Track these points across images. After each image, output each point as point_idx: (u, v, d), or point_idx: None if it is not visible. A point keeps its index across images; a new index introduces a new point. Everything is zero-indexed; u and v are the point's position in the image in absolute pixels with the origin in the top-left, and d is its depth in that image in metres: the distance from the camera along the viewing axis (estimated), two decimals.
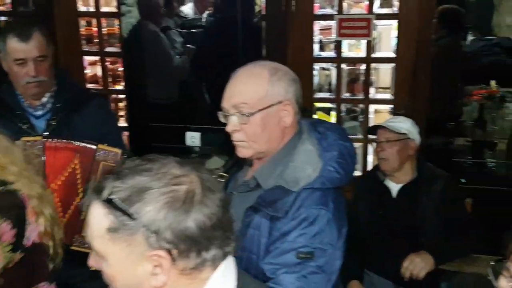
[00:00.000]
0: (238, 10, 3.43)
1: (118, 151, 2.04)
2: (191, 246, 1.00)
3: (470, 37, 4.81)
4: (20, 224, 1.52)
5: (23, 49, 2.12)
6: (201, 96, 4.48)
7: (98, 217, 1.02)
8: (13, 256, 1.52)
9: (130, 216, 0.98)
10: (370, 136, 3.62)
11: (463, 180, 3.42)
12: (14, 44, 2.12)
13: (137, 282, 1.03)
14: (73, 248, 2.03)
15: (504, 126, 3.70)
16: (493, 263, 1.06)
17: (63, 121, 2.21)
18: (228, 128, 1.60)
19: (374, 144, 2.73)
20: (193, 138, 3.97)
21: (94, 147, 2.03)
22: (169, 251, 0.99)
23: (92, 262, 1.11)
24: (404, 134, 2.64)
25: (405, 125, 2.68)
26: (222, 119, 1.62)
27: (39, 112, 2.22)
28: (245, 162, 1.75)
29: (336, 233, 1.58)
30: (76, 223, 2.03)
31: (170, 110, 4.24)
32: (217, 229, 1.03)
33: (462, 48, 4.29)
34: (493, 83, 4.18)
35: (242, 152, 1.63)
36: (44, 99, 2.22)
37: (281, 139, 1.62)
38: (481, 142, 3.55)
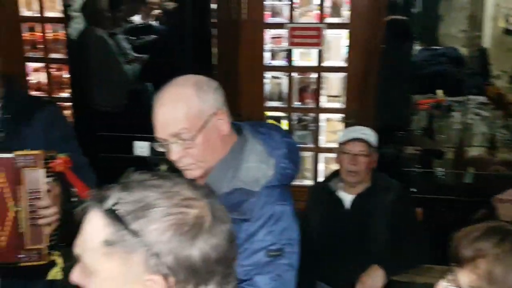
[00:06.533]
0: (188, 18, 3.36)
1: (39, 152, 1.90)
2: (190, 277, 0.91)
3: (417, 47, 4.91)
4: None
5: None
6: (150, 105, 4.38)
7: (96, 227, 0.93)
8: None
9: (132, 231, 0.89)
10: (321, 145, 3.65)
11: (413, 190, 3.47)
12: None
13: None
14: (22, 264, 1.92)
15: (451, 135, 3.79)
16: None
17: (12, 132, 2.06)
18: (173, 157, 1.53)
19: (341, 155, 2.69)
20: (141, 148, 3.86)
21: (11, 155, 1.89)
22: (166, 278, 0.90)
23: (75, 277, 0.99)
24: (375, 147, 2.66)
25: (374, 137, 2.70)
26: (159, 149, 1.56)
27: None
28: None
29: (298, 228, 1.60)
30: (16, 239, 1.91)
31: (118, 119, 4.12)
32: (220, 264, 0.95)
33: (410, 57, 4.38)
34: (440, 92, 4.28)
35: (192, 174, 1.57)
36: None
37: (224, 147, 1.60)
38: (429, 151, 3.62)
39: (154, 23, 4.90)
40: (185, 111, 1.50)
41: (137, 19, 5.22)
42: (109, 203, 0.92)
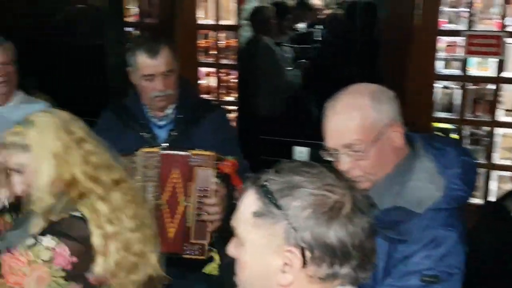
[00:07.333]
0: (355, 24, 3.33)
1: (211, 153, 2.01)
2: (325, 255, 1.00)
3: None
4: (83, 256, 1.46)
5: (152, 64, 2.16)
6: (311, 111, 4.43)
7: (249, 202, 1.07)
8: (66, 285, 1.44)
9: (277, 205, 1.01)
10: (494, 162, 3.36)
11: None
12: (144, 60, 2.16)
13: (265, 274, 1.05)
14: (185, 257, 2.05)
15: None
16: None
17: (183, 132, 2.23)
18: (342, 168, 1.48)
19: None
20: (301, 153, 3.91)
21: (188, 153, 2.02)
22: (303, 252, 0.99)
23: (231, 249, 1.13)
24: None
25: None
26: (327, 158, 1.53)
27: (162, 122, 2.26)
28: None
29: (462, 255, 1.48)
30: (183, 232, 2.04)
31: (279, 124, 4.22)
32: (356, 250, 1.01)
33: None
34: None
35: (359, 186, 1.53)
36: (169, 110, 2.26)
37: (396, 160, 1.52)
38: None
39: (319, 30, 4.95)
40: (359, 121, 1.46)
41: (302, 26, 5.33)
42: (261, 181, 1.06)
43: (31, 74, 2.83)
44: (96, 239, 1.47)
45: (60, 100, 2.87)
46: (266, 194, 1.03)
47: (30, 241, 1.43)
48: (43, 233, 1.44)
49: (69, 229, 1.45)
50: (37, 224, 1.51)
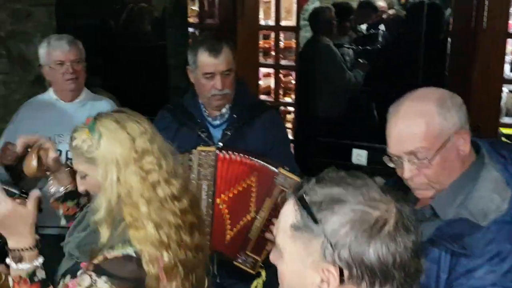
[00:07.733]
0: (419, 25, 3.24)
1: (298, 179, 1.97)
2: (364, 275, 0.95)
3: None
4: None
5: (213, 63, 2.17)
6: (371, 113, 4.36)
7: (288, 212, 1.03)
8: None
9: (314, 219, 0.97)
10: None
11: None
12: (205, 59, 2.18)
13: (303, 287, 1.02)
14: (235, 264, 2.06)
15: None
16: None
17: (237, 132, 2.24)
18: (405, 175, 1.45)
19: None
20: (359, 156, 3.85)
21: (275, 170, 2.00)
22: (341, 271, 0.95)
23: (272, 256, 1.11)
24: None
25: None
26: (390, 164, 1.48)
27: (217, 122, 2.28)
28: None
29: None
30: (243, 240, 2.04)
31: (337, 125, 4.18)
32: (398, 270, 0.96)
33: None
34: None
35: (422, 194, 1.50)
36: (223, 110, 2.28)
37: (461, 169, 1.47)
38: None
39: (381, 31, 4.86)
40: (424, 128, 1.41)
41: (364, 27, 5.25)
42: (301, 192, 1.02)
43: (95, 73, 2.92)
44: (150, 280, 1.45)
45: (122, 100, 2.96)
46: (304, 207, 0.99)
47: (86, 281, 1.44)
48: (98, 272, 1.44)
49: (122, 271, 1.44)
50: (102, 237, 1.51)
